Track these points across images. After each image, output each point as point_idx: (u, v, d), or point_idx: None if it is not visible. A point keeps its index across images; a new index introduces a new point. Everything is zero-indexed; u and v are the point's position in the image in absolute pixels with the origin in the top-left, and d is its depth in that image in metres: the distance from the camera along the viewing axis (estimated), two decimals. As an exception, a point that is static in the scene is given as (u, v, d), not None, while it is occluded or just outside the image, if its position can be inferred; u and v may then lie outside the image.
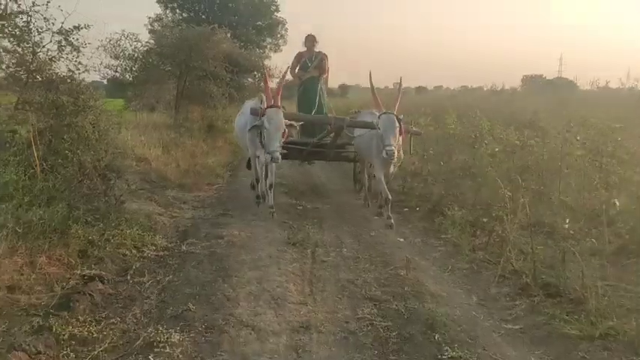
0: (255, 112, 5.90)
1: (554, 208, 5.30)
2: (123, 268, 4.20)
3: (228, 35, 15.68)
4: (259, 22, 25.17)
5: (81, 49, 5.24)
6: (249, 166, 7.63)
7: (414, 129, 6.92)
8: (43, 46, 5.03)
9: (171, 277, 4.08)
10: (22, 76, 5.07)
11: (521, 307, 3.81)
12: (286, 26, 25.62)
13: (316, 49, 8.26)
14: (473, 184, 6.88)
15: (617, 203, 4.29)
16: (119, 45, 12.34)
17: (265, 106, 5.88)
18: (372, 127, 6.09)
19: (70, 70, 5.27)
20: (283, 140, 5.91)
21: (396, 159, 6.03)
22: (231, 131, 12.33)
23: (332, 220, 6.25)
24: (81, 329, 3.05)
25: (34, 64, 4.99)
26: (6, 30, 4.73)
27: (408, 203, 7.20)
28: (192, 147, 10.70)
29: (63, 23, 4.97)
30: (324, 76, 8.37)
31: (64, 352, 2.81)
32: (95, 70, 8.60)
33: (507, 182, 5.31)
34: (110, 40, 12.01)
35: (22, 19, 4.74)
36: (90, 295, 3.54)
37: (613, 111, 9.91)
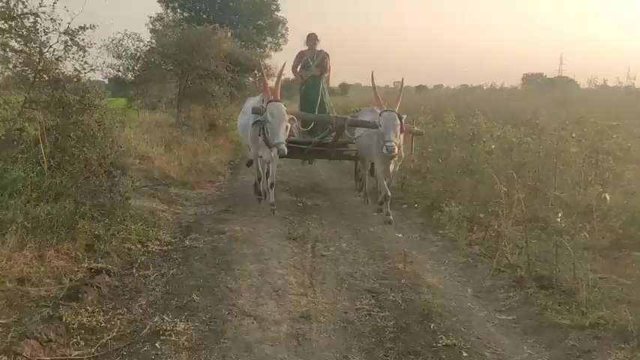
0: (256, 111, 5.98)
1: (549, 204, 5.40)
2: (128, 262, 4.32)
3: (229, 34, 15.81)
4: (260, 22, 25.30)
5: (87, 49, 5.34)
6: (248, 164, 7.75)
7: (415, 129, 6.99)
8: (50, 46, 5.15)
9: (175, 270, 4.21)
10: (30, 76, 5.18)
11: (515, 299, 3.92)
12: (286, 25, 25.76)
13: (318, 48, 8.29)
14: (470, 180, 7.00)
15: (608, 198, 4.40)
16: (121, 45, 12.51)
17: (266, 102, 5.96)
18: (374, 126, 6.16)
19: (76, 70, 5.40)
20: (286, 137, 5.98)
21: (396, 157, 6.12)
22: (233, 130, 12.49)
23: (331, 217, 6.36)
24: (89, 319, 3.17)
25: (41, 64, 5.10)
26: (13, 30, 4.83)
27: (407, 200, 7.31)
28: (194, 145, 10.83)
29: (70, 24, 5.08)
30: (326, 74, 8.40)
31: (74, 340, 2.93)
32: (98, 70, 8.68)
33: (503, 179, 5.43)
34: (113, 40, 12.17)
35: (29, 19, 4.86)
36: (97, 287, 3.66)
37: (610, 109, 10.03)
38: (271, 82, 8.21)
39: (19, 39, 5.06)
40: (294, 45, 26.59)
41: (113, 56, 12.48)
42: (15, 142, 5.03)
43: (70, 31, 5.24)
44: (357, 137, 6.93)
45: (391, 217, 6.21)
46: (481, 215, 5.66)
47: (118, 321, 3.22)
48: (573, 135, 5.77)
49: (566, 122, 6.50)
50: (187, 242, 4.97)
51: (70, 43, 5.27)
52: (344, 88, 41.68)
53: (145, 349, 2.89)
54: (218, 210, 6.49)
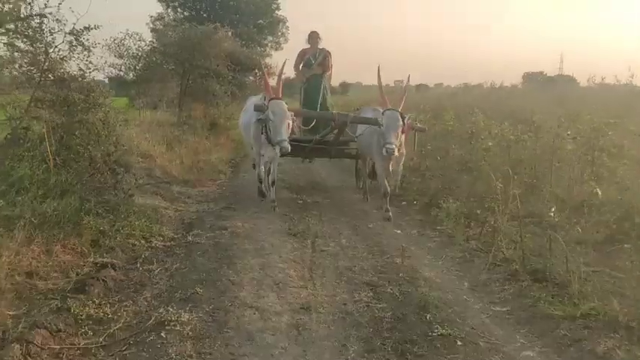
0: (259, 109, 6.00)
1: (544, 200, 5.51)
2: (133, 257, 4.43)
3: (230, 34, 15.90)
4: (260, 21, 25.38)
5: (91, 49, 5.44)
6: (254, 166, 7.78)
7: (418, 125, 6.98)
8: (56, 47, 5.26)
9: (178, 264, 4.32)
10: (35, 75, 5.29)
11: (509, 292, 4.03)
12: (287, 24, 25.85)
13: (320, 46, 8.31)
14: (468, 178, 7.09)
15: (599, 192, 4.50)
16: (123, 44, 12.61)
17: (268, 100, 5.98)
18: (376, 123, 6.17)
19: (80, 69, 5.50)
20: (288, 135, 6.06)
21: (398, 155, 6.10)
22: (234, 128, 12.60)
23: (331, 213, 6.46)
24: (97, 310, 3.29)
25: (47, 64, 5.21)
26: (19, 30, 4.94)
27: (406, 197, 7.41)
28: (195, 144, 10.92)
29: (75, 24, 5.19)
30: (328, 73, 8.41)
31: (82, 330, 3.04)
32: (100, 70, 8.80)
33: (500, 175, 5.53)
34: (115, 40, 12.27)
35: (35, 20, 4.97)
36: (103, 280, 3.77)
37: (608, 107, 10.11)
38: (272, 81, 8.27)
39: (25, 39, 5.16)
40: (294, 44, 26.68)
41: (115, 56, 12.59)
42: (21, 141, 5.14)
43: (75, 32, 5.34)
44: (359, 135, 6.99)
45: (390, 213, 6.30)
46: (478, 211, 5.77)
47: (124, 312, 3.34)
48: (569, 132, 5.86)
49: (561, 120, 6.57)
50: (190, 238, 5.07)
51: (75, 43, 5.37)
52: (344, 87, 41.76)
53: (150, 339, 3.01)
54: (220, 207, 6.59)
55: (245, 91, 16.13)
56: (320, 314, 3.45)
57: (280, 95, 6.12)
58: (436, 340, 3.15)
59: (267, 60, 22.54)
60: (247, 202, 6.85)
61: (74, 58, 5.41)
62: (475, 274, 4.47)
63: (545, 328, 3.39)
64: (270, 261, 4.46)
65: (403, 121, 5.98)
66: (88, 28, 5.47)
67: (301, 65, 8.33)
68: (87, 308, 3.27)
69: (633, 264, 3.59)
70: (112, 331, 3.08)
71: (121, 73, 13.23)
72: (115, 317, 3.25)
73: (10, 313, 3.13)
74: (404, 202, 7.21)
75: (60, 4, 5.15)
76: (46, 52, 5.30)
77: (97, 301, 3.41)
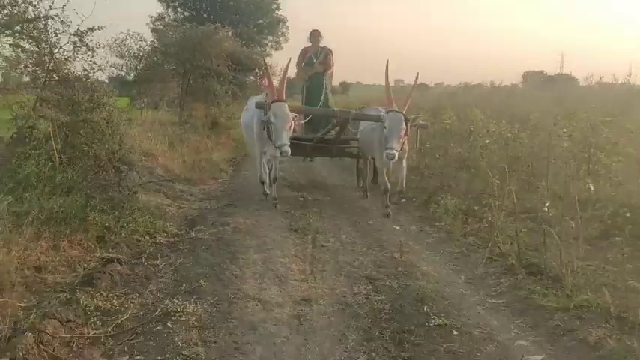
0: (260, 106, 6.03)
1: (540, 196, 5.61)
2: (137, 252, 4.53)
3: (230, 34, 16.01)
4: (260, 21, 25.48)
5: (95, 49, 5.56)
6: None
7: (421, 122, 6.88)
8: (61, 47, 5.37)
9: (182, 259, 4.42)
10: (41, 76, 5.40)
11: (505, 285, 4.13)
12: (287, 24, 25.94)
13: (321, 45, 8.32)
14: (466, 175, 7.21)
15: (592, 187, 4.61)
16: (124, 44, 12.72)
17: (270, 101, 5.98)
18: (378, 119, 6.17)
19: (85, 70, 5.62)
20: (290, 136, 6.12)
21: (397, 159, 6.00)
22: (234, 128, 12.71)
23: (332, 211, 6.57)
24: (104, 302, 3.39)
25: (52, 64, 5.32)
26: (25, 32, 5.05)
27: (405, 195, 7.48)
28: (196, 143, 11.03)
29: (79, 26, 5.30)
30: (330, 71, 8.41)
31: (91, 321, 3.15)
32: (103, 70, 8.90)
33: (497, 172, 5.64)
34: (116, 40, 12.38)
35: (41, 22, 5.08)
36: (110, 274, 3.87)
37: (606, 105, 10.22)
38: (274, 81, 8.32)
39: (30, 40, 5.27)
40: (294, 44, 26.76)
41: (116, 56, 12.70)
42: (27, 140, 5.26)
43: (80, 33, 5.45)
44: (360, 131, 7.03)
45: (390, 210, 6.41)
46: (475, 208, 5.87)
47: (131, 304, 3.44)
48: (564, 130, 5.97)
49: (557, 118, 6.68)
50: (193, 234, 5.18)
51: (79, 44, 5.48)
52: (344, 86, 41.86)
53: (157, 328, 3.12)
54: (222, 205, 6.70)
55: (245, 90, 16.26)
56: (320, 306, 3.56)
57: (284, 96, 6.10)
58: (433, 329, 3.26)
59: (267, 60, 22.61)
60: (249, 200, 6.96)
61: (78, 59, 5.52)
62: (472, 268, 4.57)
63: (538, 319, 3.49)
64: (272, 256, 4.57)
65: (407, 124, 5.94)
66: (92, 29, 5.59)
67: (303, 63, 8.33)
68: (95, 300, 3.37)
69: (624, 256, 3.69)
70: (119, 321, 3.18)
71: (123, 73, 13.37)
72: (123, 309, 3.36)
73: (21, 304, 3.24)
74: (403, 200, 7.30)
75: (64, 5, 5.28)
76: (51, 53, 5.41)
77: (104, 294, 3.51)
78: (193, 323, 3.17)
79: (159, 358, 2.79)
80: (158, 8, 24.23)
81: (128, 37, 12.63)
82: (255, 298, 3.62)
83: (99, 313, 3.25)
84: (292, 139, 6.71)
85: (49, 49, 5.32)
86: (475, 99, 14.70)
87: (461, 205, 6.12)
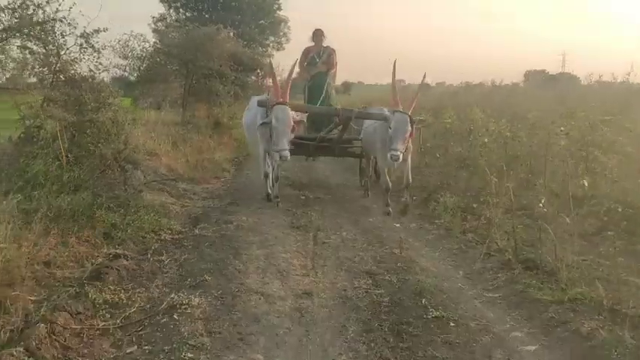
0: (262, 104, 6.05)
1: (537, 193, 5.70)
2: (143, 249, 4.65)
3: (232, 34, 16.12)
4: (262, 21, 25.55)
5: (101, 50, 5.67)
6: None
7: (419, 117, 6.66)
8: (67, 49, 5.49)
9: (187, 255, 4.53)
10: (47, 76, 5.52)
11: (502, 279, 4.23)
12: (289, 24, 26.02)
13: (324, 44, 8.34)
14: (466, 173, 7.30)
15: (586, 184, 4.70)
16: (127, 45, 12.85)
17: (273, 102, 5.97)
18: (381, 118, 6.20)
19: (90, 70, 5.74)
20: (292, 137, 6.12)
21: (405, 153, 6.02)
22: (237, 128, 12.80)
23: (333, 209, 6.67)
24: (112, 296, 3.51)
25: (58, 65, 5.43)
26: (32, 33, 5.16)
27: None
28: (199, 143, 11.14)
29: (85, 27, 5.42)
30: (332, 71, 8.41)
31: (100, 313, 3.27)
32: (109, 71, 9.04)
33: (495, 170, 5.74)
34: (119, 41, 12.51)
35: (49, 24, 5.19)
36: (117, 269, 3.99)
37: (606, 104, 10.31)
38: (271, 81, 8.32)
39: (37, 42, 5.38)
40: (295, 45, 26.85)
41: (119, 57, 12.83)
42: (35, 139, 5.38)
43: (85, 34, 5.57)
44: (363, 130, 7.07)
45: (390, 208, 6.50)
46: (474, 205, 5.98)
47: (138, 298, 3.56)
48: (562, 129, 6.06)
49: (556, 117, 6.78)
50: (197, 231, 5.29)
51: (85, 45, 5.60)
52: (346, 86, 41.93)
53: (164, 320, 3.23)
54: (225, 203, 6.80)
55: (247, 91, 16.35)
56: (322, 299, 3.67)
57: (288, 97, 6.08)
58: (430, 321, 3.36)
59: (269, 59, 22.69)
60: (251, 199, 7.06)
61: (85, 60, 5.64)
62: (470, 264, 4.67)
63: (533, 312, 3.60)
64: (274, 252, 4.68)
65: (412, 125, 5.92)
66: (97, 31, 5.70)
67: (305, 63, 8.33)
68: (103, 294, 3.49)
69: (616, 250, 3.79)
70: (127, 314, 3.30)
71: (126, 74, 13.49)
72: (130, 302, 3.47)
73: (32, 298, 3.34)
74: (403, 198, 7.40)
75: (71, 8, 5.40)
76: (58, 54, 5.53)
77: (112, 288, 3.63)
78: (199, 316, 3.29)
79: (166, 348, 2.90)
80: (159, 9, 24.34)
81: (131, 38, 12.76)
82: (258, 291, 3.73)
83: (107, 306, 3.37)
84: (295, 138, 6.79)
85: (55, 50, 5.43)
86: (476, 98, 14.79)
87: (460, 202, 6.22)
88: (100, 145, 5.48)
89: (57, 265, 3.90)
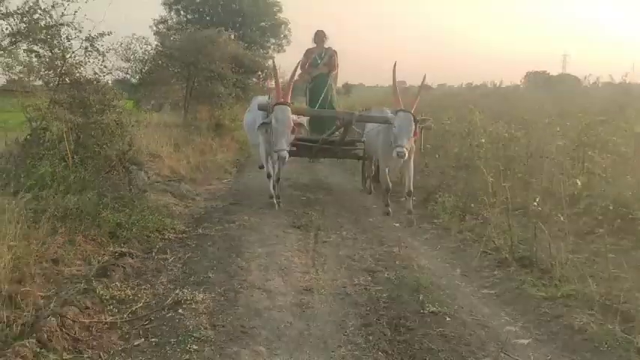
0: (263, 108, 6.13)
1: (534, 193, 5.81)
2: (148, 247, 4.77)
3: (232, 37, 16.21)
4: (263, 23, 25.62)
5: (105, 53, 5.79)
6: (262, 167, 7.83)
7: (423, 117, 6.62)
8: (73, 52, 5.61)
9: (190, 254, 4.65)
10: (53, 79, 5.63)
11: (498, 277, 4.35)
12: (289, 26, 26.09)
13: (326, 46, 8.37)
14: (464, 174, 7.40)
15: (579, 183, 4.81)
16: (130, 48, 12.96)
17: (274, 103, 6.02)
18: (382, 121, 6.27)
19: (95, 73, 5.86)
20: (292, 138, 6.19)
21: (406, 157, 6.02)
22: (238, 130, 12.93)
23: (333, 209, 6.78)
24: (119, 292, 3.63)
25: (64, 68, 5.55)
26: (39, 37, 5.28)
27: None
28: (201, 145, 11.27)
29: (91, 31, 5.54)
30: (334, 72, 8.43)
31: (108, 308, 3.38)
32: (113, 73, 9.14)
33: (492, 170, 5.84)
34: (122, 44, 12.61)
35: (57, 28, 5.32)
36: (122, 267, 4.11)
37: (604, 105, 10.43)
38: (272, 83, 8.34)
39: (43, 45, 5.50)
40: (296, 46, 26.89)
41: (122, 59, 12.93)
42: (41, 141, 5.50)
43: (90, 38, 5.69)
44: (366, 132, 7.14)
45: (390, 208, 6.61)
46: (472, 205, 6.08)
47: (144, 294, 3.67)
48: (558, 129, 6.17)
49: (552, 117, 6.89)
50: (200, 230, 5.41)
51: (90, 48, 5.72)
52: (347, 88, 42.01)
53: (169, 315, 3.34)
54: (227, 203, 6.92)
55: (248, 93, 16.44)
56: (322, 295, 3.79)
57: (289, 98, 6.12)
58: (427, 316, 3.48)
59: (270, 62, 22.78)
60: (253, 199, 7.17)
61: (90, 63, 5.76)
62: (467, 262, 4.78)
63: (528, 307, 3.71)
64: (276, 250, 4.80)
65: (416, 123, 6.01)
66: (102, 35, 5.82)
67: (307, 64, 8.37)
68: (110, 290, 3.60)
69: (607, 247, 3.89)
70: (134, 309, 3.42)
71: (128, 76, 13.59)
72: (136, 298, 3.59)
73: (41, 294, 3.46)
74: (403, 198, 7.50)
75: (76, 12, 5.51)
76: (63, 57, 5.64)
77: (118, 285, 3.75)
78: (203, 310, 3.40)
79: (172, 340, 3.01)
80: (160, 11, 24.41)
81: (134, 41, 12.86)
82: (260, 288, 3.85)
83: (114, 302, 3.49)
84: (298, 140, 6.87)
85: (61, 53, 5.55)
86: (476, 100, 14.90)
87: (458, 202, 6.32)
88: (104, 146, 5.60)
89: (65, 262, 4.02)
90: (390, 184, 6.65)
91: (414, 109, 6.11)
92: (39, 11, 5.04)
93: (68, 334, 2.92)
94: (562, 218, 4.48)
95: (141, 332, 3.13)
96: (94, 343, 2.95)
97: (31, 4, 4.98)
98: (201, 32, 13.84)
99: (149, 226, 5.12)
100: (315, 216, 6.22)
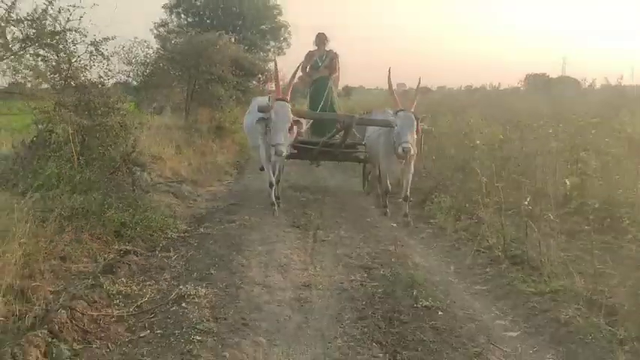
0: (262, 110, 6.09)
1: (526, 193, 5.96)
2: (151, 246, 4.92)
3: (232, 40, 16.36)
4: (263, 26, 25.76)
5: (110, 57, 5.96)
6: (262, 168, 7.76)
7: (426, 127, 6.81)
8: (78, 56, 5.77)
9: (193, 252, 4.81)
10: (59, 82, 5.79)
11: (490, 274, 4.50)
12: (289, 29, 26.23)
13: (327, 48, 8.39)
14: (460, 175, 7.55)
15: (568, 183, 4.97)
16: (131, 51, 13.11)
17: (274, 100, 6.04)
18: (383, 124, 6.39)
19: (100, 77, 6.02)
20: (292, 139, 6.29)
21: (412, 152, 6.11)
22: (238, 132, 13.08)
23: (332, 210, 6.93)
24: (125, 287, 3.79)
25: (70, 72, 5.71)
26: (46, 42, 5.44)
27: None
28: (202, 147, 11.41)
29: (96, 36, 5.70)
30: (335, 75, 8.43)
31: (114, 302, 3.54)
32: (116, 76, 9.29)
33: (486, 171, 5.99)
34: (123, 47, 12.77)
35: (64, 34, 5.48)
36: (128, 264, 4.27)
37: (600, 107, 10.59)
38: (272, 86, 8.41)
39: (50, 50, 5.66)
40: (296, 48, 27.03)
41: (124, 62, 13.08)
42: (47, 142, 5.66)
43: (95, 42, 5.85)
44: (367, 136, 7.24)
45: (388, 209, 6.76)
46: (467, 205, 6.23)
47: (149, 289, 3.83)
48: (550, 131, 6.33)
49: (546, 119, 7.05)
50: (202, 230, 5.57)
51: (95, 53, 5.88)
52: (347, 90, 42.12)
53: (173, 309, 3.50)
54: (227, 204, 7.07)
55: (249, 95, 16.58)
56: (319, 290, 3.94)
57: (288, 97, 6.19)
58: (420, 310, 3.63)
59: (270, 65, 22.91)
60: (253, 200, 7.32)
61: (95, 67, 5.92)
62: (461, 260, 4.93)
63: (517, 302, 3.86)
64: (276, 248, 4.96)
65: (417, 122, 6.10)
66: (106, 39, 5.98)
67: (308, 67, 8.42)
68: (116, 286, 3.76)
69: (593, 244, 4.04)
70: (139, 303, 3.57)
71: (129, 79, 13.74)
72: (141, 293, 3.74)
73: (50, 289, 3.62)
74: (400, 199, 7.65)
75: (81, 17, 5.68)
76: (69, 61, 5.80)
77: (124, 281, 3.91)
78: (205, 304, 3.56)
79: (176, 332, 3.16)
80: (161, 14, 24.53)
81: (135, 45, 13.01)
82: (260, 283, 4.01)
83: (120, 297, 3.64)
84: (299, 143, 6.97)
85: (67, 58, 5.71)
86: (475, 102, 15.07)
87: (454, 203, 6.47)
88: (109, 148, 5.76)
89: (72, 259, 4.17)
90: (390, 187, 6.76)
91: (412, 109, 6.25)
92: (49, 18, 5.19)
93: (78, 326, 3.07)
94: (552, 217, 4.63)
95: (146, 325, 3.28)
96: (102, 334, 3.11)
97: (41, 11, 5.14)
98: (201, 35, 14.00)
99: (152, 226, 5.27)
100: (313, 216, 6.38)
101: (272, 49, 26.41)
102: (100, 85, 6.04)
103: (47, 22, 5.26)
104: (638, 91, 15.76)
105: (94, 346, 2.98)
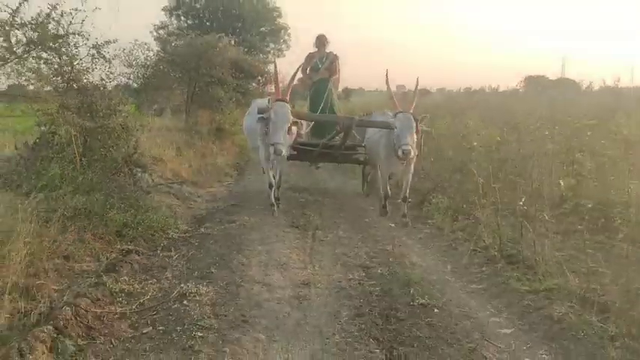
0: (262, 111, 6.14)
1: (522, 194, 6.04)
2: (153, 246, 5.00)
3: (232, 42, 16.44)
4: (263, 28, 25.85)
5: (111, 60, 6.04)
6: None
7: (424, 127, 6.70)
8: (80, 59, 5.85)
9: (193, 251, 4.89)
10: (61, 85, 5.87)
11: (486, 273, 4.58)
12: (289, 31, 26.33)
13: (327, 50, 8.42)
14: (458, 176, 7.63)
15: (563, 184, 5.05)
16: (132, 54, 13.20)
17: (274, 100, 6.09)
18: (383, 126, 6.43)
19: (102, 79, 6.10)
20: (292, 140, 6.35)
21: (412, 154, 6.18)
22: (238, 134, 13.17)
23: (331, 210, 7.01)
24: (127, 286, 3.87)
25: (72, 74, 5.79)
26: (49, 45, 5.52)
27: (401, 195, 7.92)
28: (202, 148, 11.51)
29: (97, 39, 5.79)
30: (335, 77, 8.46)
31: (117, 300, 3.62)
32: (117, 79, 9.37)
33: (483, 172, 6.07)
34: (124, 50, 12.86)
35: (68, 37, 5.56)
36: (130, 263, 4.36)
37: (597, 109, 10.67)
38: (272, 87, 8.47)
39: (52, 53, 5.74)
40: (296, 50, 27.11)
41: (124, 65, 13.16)
42: (50, 144, 5.74)
43: (97, 45, 5.93)
44: (367, 138, 7.29)
45: (387, 210, 6.83)
46: (464, 206, 6.32)
47: (151, 287, 3.91)
48: (546, 132, 6.41)
49: (542, 121, 7.13)
50: (202, 230, 5.65)
51: (96, 55, 5.96)
52: (347, 92, 42.21)
53: (175, 306, 3.58)
54: (228, 205, 7.15)
55: (248, 97, 16.67)
56: (318, 288, 4.02)
57: (288, 98, 6.25)
58: (416, 307, 3.71)
59: (270, 67, 23.00)
60: (253, 201, 7.39)
61: (96, 69, 6.00)
62: (458, 259, 5.01)
63: (512, 300, 3.94)
64: (275, 248, 5.04)
65: (416, 123, 6.14)
66: (108, 42, 6.07)
67: (308, 69, 8.45)
68: (119, 284, 3.84)
69: (586, 244, 4.12)
70: (142, 301, 3.66)
71: (130, 82, 13.82)
72: (143, 291, 3.83)
73: (55, 287, 3.70)
74: (399, 200, 7.72)
75: (83, 20, 5.75)
76: (71, 64, 5.88)
77: (126, 279, 3.99)
78: (206, 302, 3.64)
79: (178, 328, 3.24)
80: (160, 17, 24.61)
81: (136, 47, 13.10)
82: (260, 282, 4.09)
83: (123, 295, 3.73)
84: (298, 144, 7.03)
85: (69, 60, 5.79)
86: (474, 104, 15.13)
87: (452, 203, 6.55)
88: (111, 149, 5.83)
89: (75, 259, 4.25)
90: (390, 192, 6.79)
91: (411, 110, 6.30)
92: (52, 22, 5.27)
93: (82, 323, 3.15)
94: (547, 218, 4.71)
95: (149, 321, 3.36)
96: (106, 330, 3.19)
97: (45, 15, 5.22)
98: (201, 38, 14.07)
99: (154, 226, 5.34)
100: (312, 216, 6.46)
101: (272, 51, 26.50)
102: (101, 88, 6.11)
103: (50, 26, 5.34)
104: (634, 93, 15.86)
105: (98, 341, 3.06)
